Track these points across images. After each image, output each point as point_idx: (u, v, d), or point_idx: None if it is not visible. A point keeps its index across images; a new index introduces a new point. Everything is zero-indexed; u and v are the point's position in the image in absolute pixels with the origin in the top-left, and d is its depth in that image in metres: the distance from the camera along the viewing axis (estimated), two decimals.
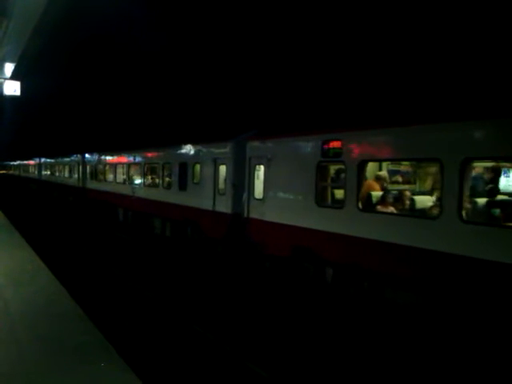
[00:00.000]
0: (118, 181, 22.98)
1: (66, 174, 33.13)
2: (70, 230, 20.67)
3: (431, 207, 8.22)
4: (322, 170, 10.23)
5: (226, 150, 13.82)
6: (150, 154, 19.70)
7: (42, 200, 36.29)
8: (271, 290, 11.20)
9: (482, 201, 7.49)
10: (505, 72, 8.13)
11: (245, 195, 12.81)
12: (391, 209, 8.79)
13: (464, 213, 7.30)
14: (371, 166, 9.37)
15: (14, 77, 17.26)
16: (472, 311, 7.16)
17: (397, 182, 9.65)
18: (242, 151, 12.91)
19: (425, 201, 8.51)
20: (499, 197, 7.68)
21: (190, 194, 15.78)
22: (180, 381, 6.69)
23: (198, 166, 15.33)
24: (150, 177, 19.88)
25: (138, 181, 20.65)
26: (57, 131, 40.30)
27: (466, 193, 7.38)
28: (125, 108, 25.95)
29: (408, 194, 8.77)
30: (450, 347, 7.27)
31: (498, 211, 7.31)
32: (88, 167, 27.58)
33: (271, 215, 11.68)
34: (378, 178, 9.27)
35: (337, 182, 10.13)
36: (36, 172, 45.80)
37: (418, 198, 8.63)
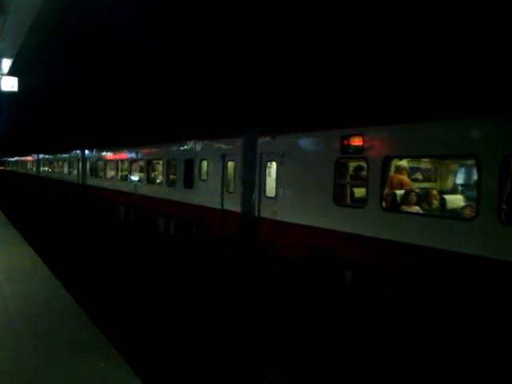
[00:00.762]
0: (119, 177, 22.48)
1: (65, 171, 32.68)
2: (69, 228, 20.21)
3: (464, 207, 7.65)
4: (341, 167, 9.64)
5: (235, 145, 13.23)
6: (153, 150, 19.12)
7: (41, 197, 35.81)
8: (284, 292, 10.64)
9: None
10: None
11: (255, 193, 12.24)
12: (419, 209, 8.21)
13: (503, 214, 6.73)
14: (396, 163, 8.78)
15: (11, 73, 17.01)
16: None
17: (423, 181, 9.06)
18: (253, 147, 12.34)
19: (457, 200, 7.93)
20: None
21: (196, 192, 15.21)
22: (180, 381, 6.51)
23: (204, 163, 14.75)
24: (153, 173, 19.37)
25: (140, 178, 20.14)
26: (55, 127, 39.71)
27: (506, 192, 6.79)
28: (126, 103, 25.35)
29: (437, 193, 8.20)
30: (482, 358, 6.73)
31: None
32: (88, 163, 27.10)
33: (284, 214, 11.11)
34: (406, 176, 8.68)
35: (358, 180, 9.54)
36: (34, 168, 45.30)
37: (448, 197, 8.04)
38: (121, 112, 27.47)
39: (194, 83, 18.76)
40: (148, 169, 19.29)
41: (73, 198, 29.76)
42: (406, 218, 8.23)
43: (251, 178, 12.39)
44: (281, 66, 14.20)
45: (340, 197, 9.65)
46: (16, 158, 60.59)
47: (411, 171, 8.93)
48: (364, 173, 9.15)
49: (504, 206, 6.73)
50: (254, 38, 13.67)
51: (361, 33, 11.00)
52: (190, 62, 17.11)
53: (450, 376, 6.59)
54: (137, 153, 20.53)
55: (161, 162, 18.18)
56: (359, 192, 9.38)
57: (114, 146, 23.50)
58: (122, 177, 22.30)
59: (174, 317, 8.99)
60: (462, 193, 8.17)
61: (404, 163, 8.78)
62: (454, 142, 7.53)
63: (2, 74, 16.64)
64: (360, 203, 9.17)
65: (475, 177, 7.24)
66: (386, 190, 8.56)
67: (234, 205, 13.13)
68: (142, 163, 20.06)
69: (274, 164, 11.69)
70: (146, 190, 19.16)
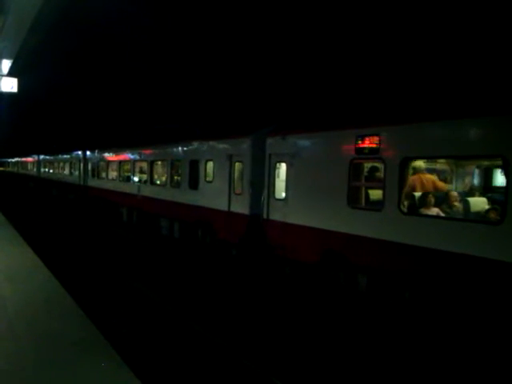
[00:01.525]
0: (122, 179, 22.15)
1: (66, 172, 32.36)
2: (69, 229, 19.85)
3: (489, 211, 7.29)
4: (355, 169, 9.28)
5: (242, 146, 12.88)
6: (157, 151, 18.76)
7: (41, 198, 35.48)
8: (294, 297, 10.29)
9: None
10: None
11: (264, 195, 11.89)
12: (441, 212, 7.85)
13: None
14: (416, 164, 8.42)
15: (11, 73, 16.93)
16: None
17: (445, 182, 8.70)
18: (261, 147, 12.00)
19: (481, 203, 7.57)
20: None
21: (201, 194, 14.86)
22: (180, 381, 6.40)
23: (210, 164, 14.39)
24: (156, 174, 19.02)
25: (143, 179, 19.80)
26: (56, 128, 39.46)
27: None
28: (129, 103, 25.04)
29: (460, 195, 7.84)
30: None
31: None
32: (90, 164, 26.78)
33: (295, 217, 10.76)
34: (426, 178, 8.32)
35: (374, 182, 9.18)
36: (35, 169, 44.98)
37: (472, 199, 7.68)
38: (123, 112, 27.18)
39: (199, 82, 18.44)
40: (151, 170, 18.96)
41: (74, 200, 29.45)
42: (425, 222, 7.88)
43: (259, 180, 12.05)
44: (291, 64, 13.86)
45: (355, 199, 9.30)
46: (16, 159, 60.28)
47: (431, 172, 8.57)
48: (380, 174, 8.80)
49: None
50: (262, 36, 13.35)
51: (375, 30, 10.65)
52: (194, 61, 16.79)
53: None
54: (140, 153, 20.21)
55: (165, 162, 17.83)
56: (375, 194, 9.02)
57: (117, 147, 23.15)
58: (124, 178, 21.97)
59: (174, 319, 8.77)
60: (486, 195, 7.81)
61: (424, 164, 8.42)
62: (479, 142, 7.18)
63: (2, 75, 16.49)
64: (376, 206, 8.81)
65: (502, 178, 6.87)
66: (405, 192, 8.21)
67: (241, 207, 12.79)
68: (145, 164, 19.74)
69: (283, 165, 11.36)
70: (150, 191, 18.82)
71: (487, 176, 8.17)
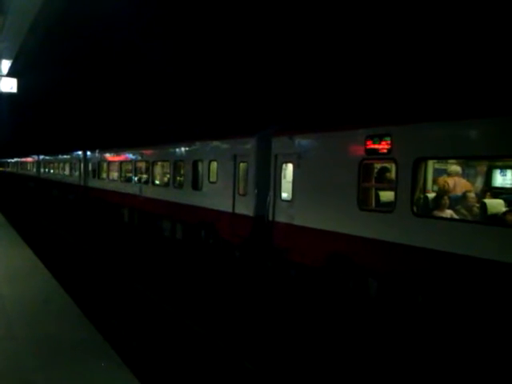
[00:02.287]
0: (123, 179, 21.92)
1: (67, 172, 32.13)
2: (70, 229, 19.69)
3: (507, 213, 7.03)
4: (365, 169, 9.02)
5: (247, 146, 12.63)
6: (159, 151, 18.51)
7: (41, 199, 35.28)
8: (301, 300, 10.04)
9: None
10: None
11: (269, 196, 11.64)
12: (456, 214, 7.59)
13: None
14: (430, 165, 8.16)
15: (10, 74, 17.01)
16: None
17: (460, 184, 8.42)
18: (267, 147, 11.75)
19: (498, 205, 7.30)
20: None
21: (205, 194, 14.61)
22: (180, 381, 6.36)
23: (214, 164, 14.14)
24: (158, 175, 18.78)
25: (145, 179, 19.55)
26: (56, 128, 39.24)
27: None
28: (130, 103, 24.81)
29: (476, 197, 7.58)
30: None
31: None
32: (90, 165, 26.53)
33: (302, 219, 10.51)
34: (442, 179, 8.05)
35: (385, 183, 8.92)
36: (35, 170, 44.74)
37: (489, 201, 7.41)
38: (124, 112, 26.95)
39: (203, 82, 18.21)
40: (153, 170, 18.74)
41: (74, 200, 29.24)
42: (440, 224, 7.63)
43: (265, 180, 11.80)
44: (297, 63, 13.62)
45: (365, 200, 9.04)
46: (16, 159, 60.03)
47: (446, 173, 8.30)
48: (392, 175, 8.54)
49: None
50: (267, 35, 13.12)
51: (386, 28, 10.41)
52: (198, 61, 16.57)
53: None
54: (142, 154, 19.98)
55: (167, 163, 17.59)
56: (386, 196, 8.76)
57: (118, 147, 22.92)
58: (125, 178, 21.75)
59: (174, 320, 8.65)
60: (503, 197, 7.54)
61: (439, 165, 8.17)
62: (498, 142, 6.93)
63: (2, 76, 16.62)
64: (387, 207, 8.55)
65: None
66: (418, 194, 7.95)
67: (246, 208, 12.54)
68: (147, 164, 19.50)
69: (290, 165, 11.11)
70: (151, 192, 18.59)
71: (504, 177, 7.90)
